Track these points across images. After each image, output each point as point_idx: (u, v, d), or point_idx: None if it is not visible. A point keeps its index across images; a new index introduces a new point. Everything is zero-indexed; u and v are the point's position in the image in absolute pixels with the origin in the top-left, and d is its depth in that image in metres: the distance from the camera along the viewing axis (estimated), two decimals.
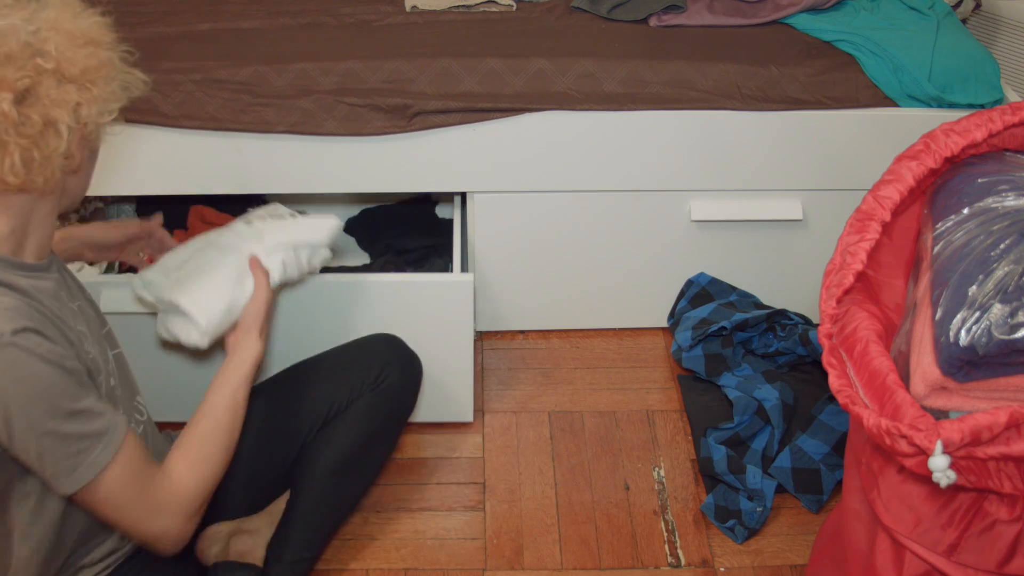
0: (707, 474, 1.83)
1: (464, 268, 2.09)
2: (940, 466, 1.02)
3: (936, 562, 1.17)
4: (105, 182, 1.90)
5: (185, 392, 1.75)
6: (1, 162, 1.09)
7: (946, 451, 1.02)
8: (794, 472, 1.79)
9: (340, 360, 1.66)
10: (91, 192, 1.91)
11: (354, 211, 2.34)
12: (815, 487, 1.79)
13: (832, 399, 1.83)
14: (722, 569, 1.72)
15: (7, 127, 1.08)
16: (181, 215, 2.18)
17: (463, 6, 2.05)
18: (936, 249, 1.17)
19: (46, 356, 1.10)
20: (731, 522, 1.76)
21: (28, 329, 1.09)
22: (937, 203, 1.23)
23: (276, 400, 1.61)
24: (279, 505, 1.61)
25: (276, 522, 1.59)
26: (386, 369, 1.63)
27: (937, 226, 1.19)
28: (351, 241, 2.30)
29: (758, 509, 1.76)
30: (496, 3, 2.05)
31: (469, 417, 1.95)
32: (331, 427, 1.59)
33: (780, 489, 1.82)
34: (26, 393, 1.09)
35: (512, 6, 2.05)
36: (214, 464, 1.33)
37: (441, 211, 2.34)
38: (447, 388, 1.87)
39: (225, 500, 1.53)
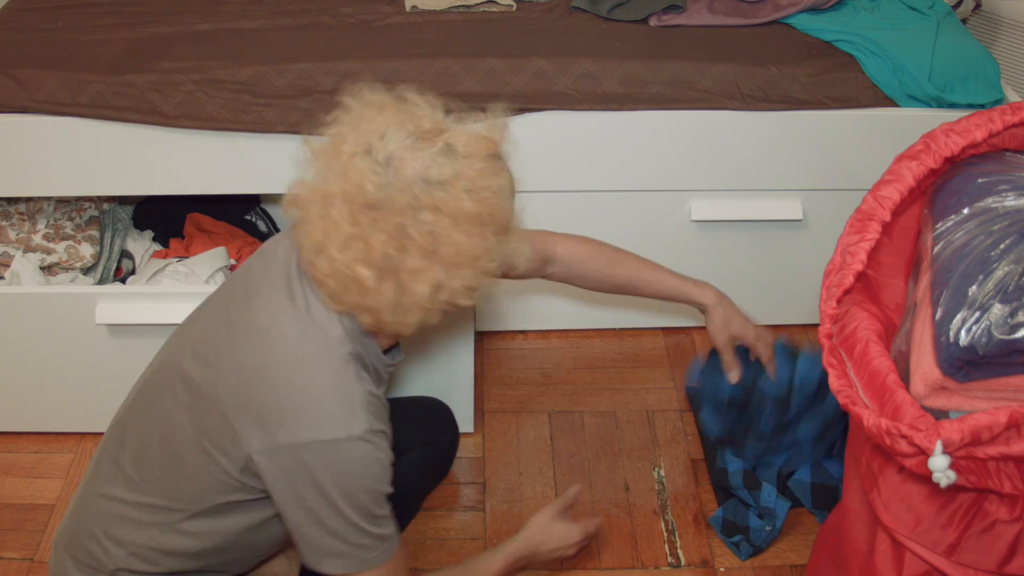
0: (721, 487, 1.80)
1: None
2: (940, 466, 1.02)
3: (936, 562, 1.17)
4: (105, 182, 1.90)
5: None
6: (355, 305, 1.10)
7: (946, 451, 1.02)
8: (813, 488, 1.75)
9: (399, 409, 1.70)
10: (90, 192, 1.92)
11: None
12: (832, 504, 1.71)
13: None
14: (722, 569, 1.72)
15: (362, 288, 1.07)
16: (178, 223, 2.17)
17: (463, 6, 2.05)
18: (936, 249, 1.17)
19: (383, 462, 1.15)
20: (737, 538, 1.73)
21: (382, 432, 1.15)
22: (937, 203, 1.23)
23: None
24: None
25: None
26: (441, 432, 1.74)
27: (937, 226, 1.19)
28: None
29: (767, 528, 1.72)
30: (496, 3, 2.05)
31: (469, 428, 1.95)
32: None
33: (793, 504, 1.76)
34: (353, 484, 1.13)
35: (512, 6, 2.05)
36: None
37: None
38: (447, 397, 1.86)
39: None
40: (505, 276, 1.45)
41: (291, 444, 1.11)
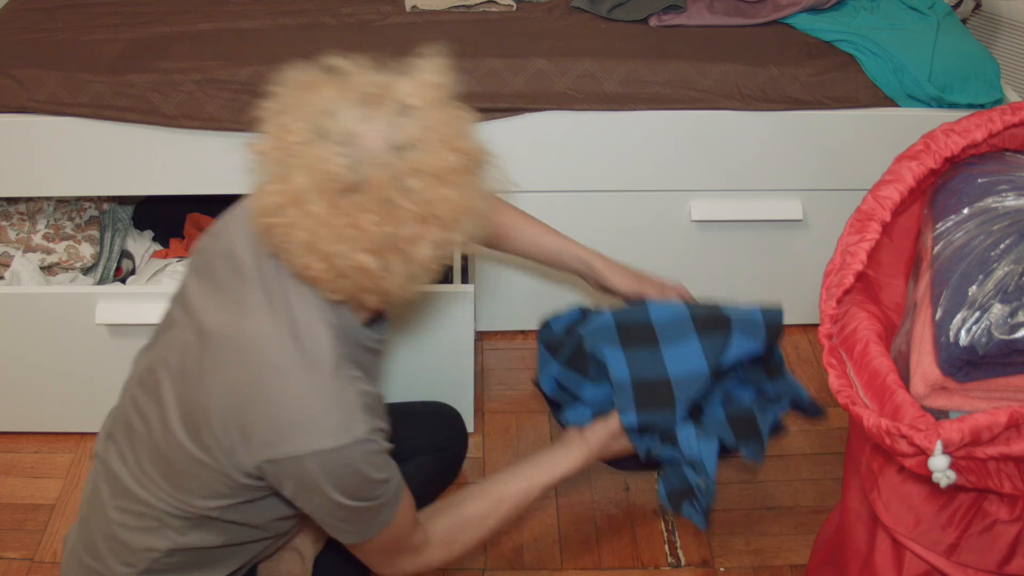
0: (633, 462, 1.56)
1: (464, 277, 2.09)
2: (940, 466, 1.02)
3: (936, 562, 1.17)
4: (105, 182, 1.90)
5: None
6: (361, 292, 1.06)
7: (946, 451, 1.02)
8: (730, 421, 1.51)
9: (410, 415, 1.72)
10: (90, 192, 1.92)
11: None
12: (754, 431, 1.50)
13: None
14: (722, 569, 1.72)
15: (368, 273, 1.03)
16: (178, 223, 2.17)
17: (463, 6, 2.05)
18: (936, 249, 1.17)
19: (383, 452, 1.15)
20: (687, 507, 1.52)
21: (381, 430, 1.14)
22: (937, 203, 1.23)
23: None
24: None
25: (319, 540, 1.59)
26: (452, 441, 1.74)
27: (937, 226, 1.19)
28: None
29: (700, 481, 1.49)
30: (496, 3, 2.05)
31: (469, 428, 1.94)
32: None
33: (722, 450, 1.51)
34: (356, 482, 1.12)
35: (512, 6, 2.05)
36: (470, 545, 1.34)
37: None
38: (447, 397, 1.86)
39: None
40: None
41: (292, 456, 1.09)
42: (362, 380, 1.14)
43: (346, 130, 0.98)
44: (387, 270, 1.03)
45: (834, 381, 1.14)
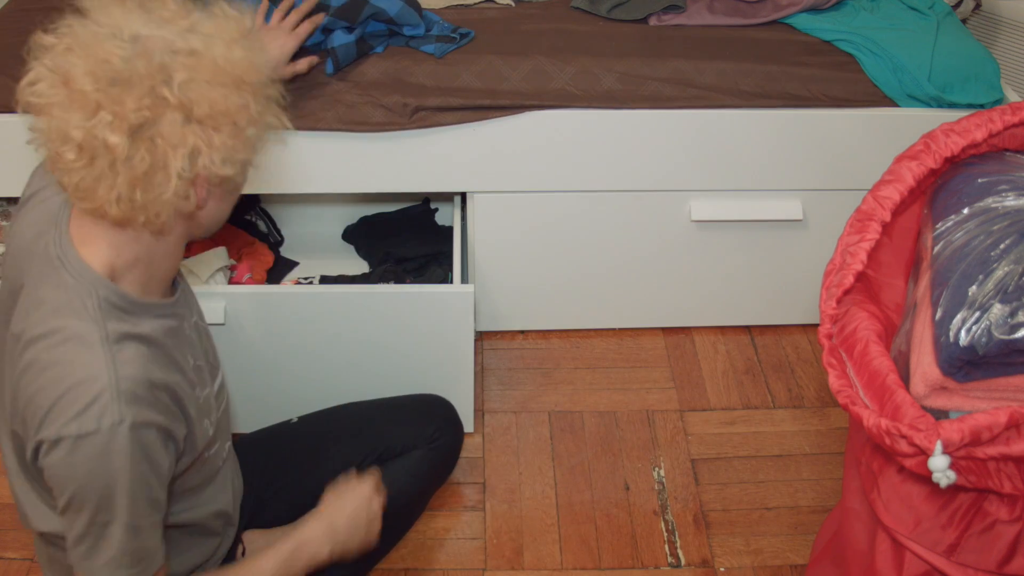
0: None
1: (464, 278, 2.09)
2: (940, 466, 1.02)
3: (936, 562, 1.17)
4: None
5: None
6: (106, 192, 1.00)
7: (946, 451, 1.02)
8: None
9: (399, 409, 1.73)
10: None
11: (352, 218, 2.33)
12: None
13: None
14: (722, 569, 1.72)
15: (113, 160, 0.98)
16: None
17: (461, 4, 2.04)
18: (936, 249, 1.17)
19: (153, 458, 1.06)
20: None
21: (151, 424, 1.05)
22: (937, 203, 1.23)
23: (331, 425, 1.67)
24: None
25: None
26: (442, 430, 1.71)
27: (937, 226, 1.19)
28: (350, 249, 2.30)
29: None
30: (495, 2, 2.05)
31: (469, 428, 1.94)
32: (385, 469, 1.61)
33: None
34: (127, 481, 1.04)
35: (511, 5, 2.05)
36: None
37: (440, 218, 2.34)
38: (447, 397, 1.86)
39: (265, 511, 1.56)
40: None
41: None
42: (138, 364, 1.06)
43: (136, 32, 1.00)
44: (132, 163, 0.99)
45: (834, 381, 1.14)
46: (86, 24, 1.01)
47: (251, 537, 1.53)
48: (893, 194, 1.22)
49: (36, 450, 1.05)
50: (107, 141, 0.97)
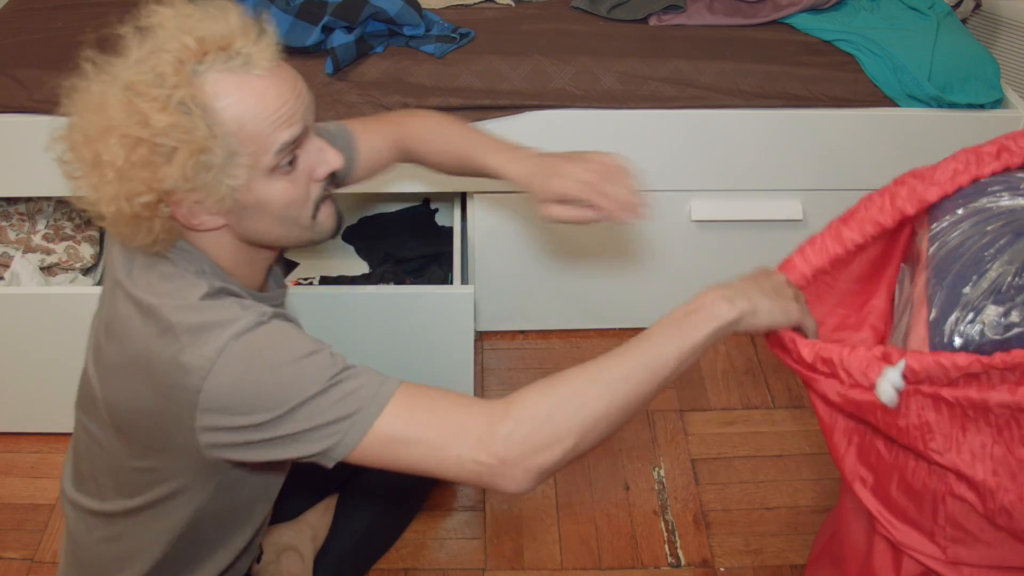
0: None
1: (464, 278, 2.09)
2: (892, 378, 1.01)
3: (932, 564, 1.17)
4: None
5: None
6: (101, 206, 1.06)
7: (906, 377, 1.01)
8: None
9: None
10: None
11: (352, 218, 2.33)
12: None
13: None
14: (722, 569, 1.72)
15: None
16: None
17: (461, 5, 2.04)
18: (931, 249, 1.17)
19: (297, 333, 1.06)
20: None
21: (281, 316, 1.06)
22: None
23: None
24: (320, 518, 1.62)
25: (317, 539, 1.59)
26: None
27: (932, 226, 1.19)
28: (349, 250, 2.30)
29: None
30: (495, 2, 2.05)
31: None
32: None
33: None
34: (292, 358, 1.01)
35: (511, 5, 2.05)
36: (576, 431, 1.05)
37: (440, 218, 2.34)
38: None
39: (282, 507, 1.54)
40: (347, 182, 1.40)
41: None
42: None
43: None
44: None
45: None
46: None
47: (277, 533, 1.54)
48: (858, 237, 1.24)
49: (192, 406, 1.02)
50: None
